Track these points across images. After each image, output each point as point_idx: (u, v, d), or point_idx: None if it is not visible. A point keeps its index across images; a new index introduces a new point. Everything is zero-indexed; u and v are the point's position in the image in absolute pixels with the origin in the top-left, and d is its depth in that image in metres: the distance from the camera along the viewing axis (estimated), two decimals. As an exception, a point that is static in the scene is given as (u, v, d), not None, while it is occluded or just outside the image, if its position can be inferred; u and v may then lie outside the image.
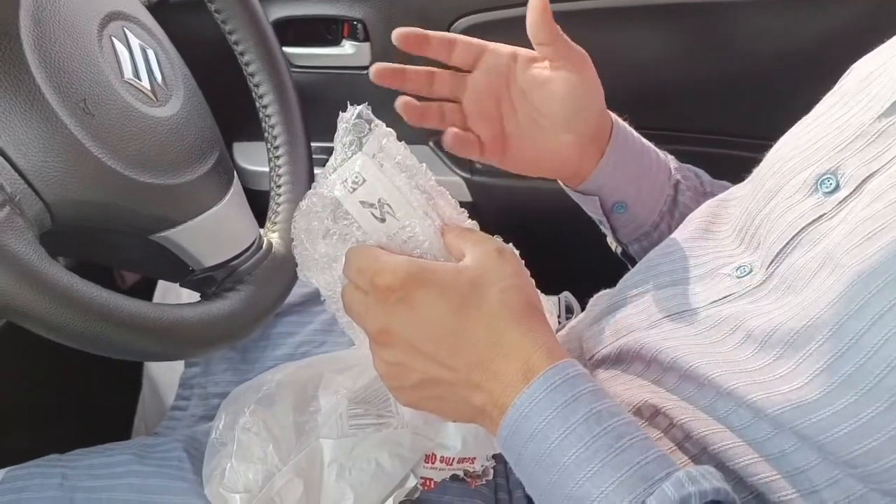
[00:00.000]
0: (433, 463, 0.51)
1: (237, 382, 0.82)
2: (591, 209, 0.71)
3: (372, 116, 0.51)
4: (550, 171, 0.67)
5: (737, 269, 0.55)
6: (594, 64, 1.00)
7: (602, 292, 0.69)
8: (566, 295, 0.83)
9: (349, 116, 0.50)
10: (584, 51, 0.62)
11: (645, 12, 0.91)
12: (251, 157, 1.05)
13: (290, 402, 0.55)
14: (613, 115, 0.67)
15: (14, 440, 0.80)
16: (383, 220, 0.48)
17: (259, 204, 0.73)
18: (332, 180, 0.50)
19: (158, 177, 0.57)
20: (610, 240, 0.75)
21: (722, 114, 0.97)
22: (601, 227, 0.73)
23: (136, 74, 0.58)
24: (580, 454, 0.43)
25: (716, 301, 0.54)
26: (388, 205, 0.48)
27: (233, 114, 0.80)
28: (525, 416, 0.45)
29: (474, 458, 0.52)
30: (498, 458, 0.56)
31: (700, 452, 0.50)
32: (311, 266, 0.53)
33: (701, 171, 0.74)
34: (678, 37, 0.93)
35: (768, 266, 0.52)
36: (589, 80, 0.62)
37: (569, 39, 0.61)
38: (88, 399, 1.03)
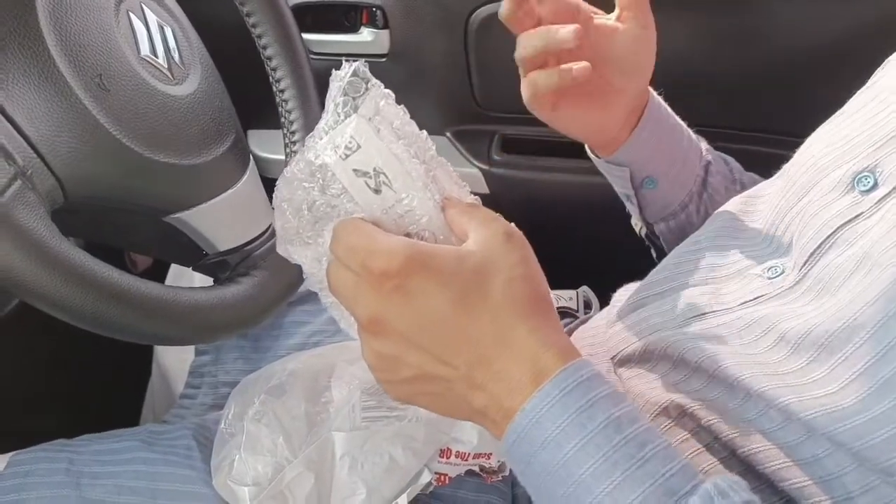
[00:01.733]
0: (448, 458, 0.50)
1: (248, 371, 0.80)
2: (621, 184, 0.70)
3: (369, 75, 0.44)
4: (594, 131, 0.67)
5: (768, 270, 0.53)
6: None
7: (626, 287, 0.67)
8: (585, 289, 0.82)
9: (343, 74, 0.43)
10: (649, 8, 0.62)
11: (667, 4, 0.89)
12: (266, 145, 1.04)
13: (302, 392, 0.53)
14: (650, 88, 0.67)
15: (21, 424, 0.79)
16: (378, 192, 0.42)
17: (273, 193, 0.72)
18: (322, 145, 0.43)
19: (173, 156, 0.55)
20: (635, 220, 0.74)
21: (747, 109, 0.95)
22: (627, 203, 0.72)
23: (153, 51, 0.56)
24: (599, 466, 0.40)
25: (747, 302, 0.53)
26: (384, 174, 0.42)
27: (249, 101, 0.78)
28: (536, 423, 0.41)
29: (490, 454, 0.50)
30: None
31: (728, 455, 0.49)
32: (294, 240, 0.47)
33: (730, 158, 0.74)
34: (702, 30, 0.91)
35: (801, 267, 0.50)
36: (651, 38, 0.63)
37: None
38: (97, 385, 1.02)
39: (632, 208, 0.72)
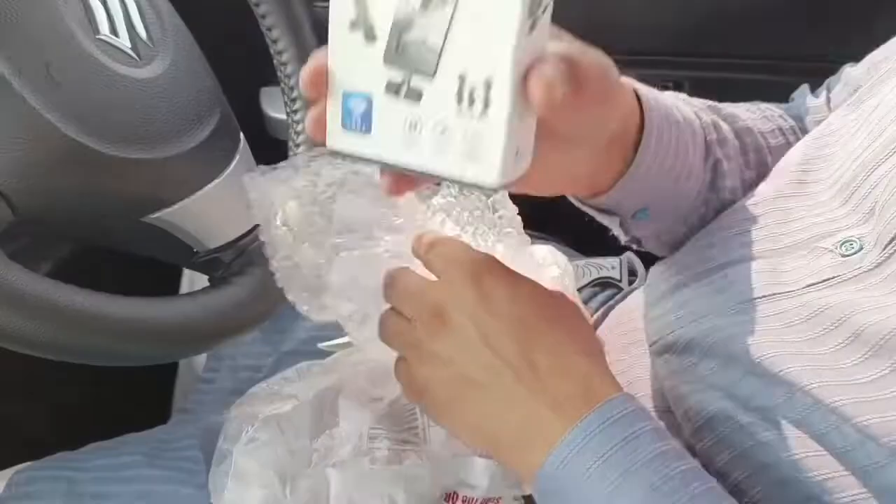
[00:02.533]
0: (454, 503, 0.44)
1: (268, 354, 0.77)
2: (604, 220, 0.55)
3: None
4: (569, 183, 0.49)
5: (841, 244, 0.45)
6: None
7: (664, 261, 0.58)
8: (629, 256, 0.74)
9: None
10: (604, 63, 0.40)
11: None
12: (282, 105, 0.97)
13: (302, 421, 0.48)
14: (644, 93, 0.48)
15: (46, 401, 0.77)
16: None
17: (287, 156, 0.66)
18: None
19: (144, 150, 0.49)
20: (617, 232, 0.56)
21: (812, 35, 0.84)
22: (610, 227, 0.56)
23: (113, 31, 0.50)
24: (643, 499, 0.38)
25: (813, 284, 0.44)
26: None
27: (262, 55, 0.72)
28: (579, 451, 0.39)
29: (500, 499, 0.45)
30: (526, 498, 0.49)
31: (790, 479, 0.41)
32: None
33: (736, 113, 0.56)
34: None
35: (886, 245, 0.41)
36: (608, 92, 0.42)
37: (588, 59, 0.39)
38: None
39: (613, 227, 0.55)
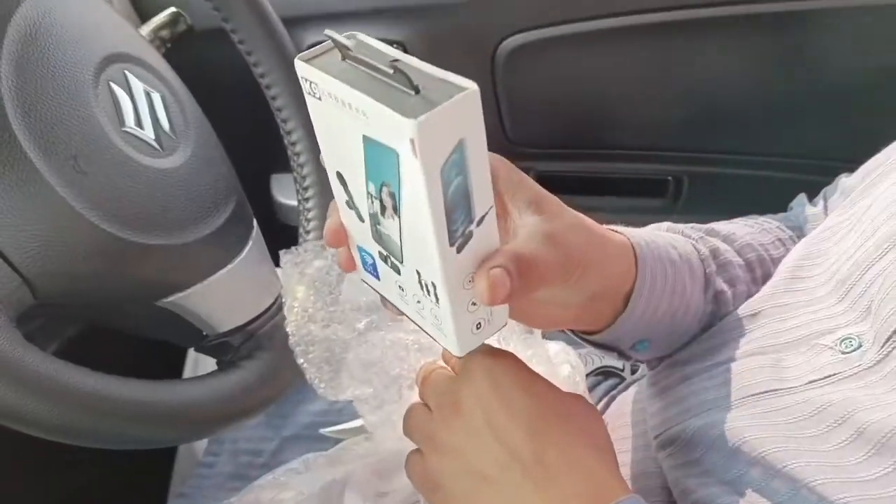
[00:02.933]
0: None
1: (270, 438, 0.76)
2: (603, 350, 0.54)
3: None
4: (564, 324, 0.49)
5: (841, 342, 0.45)
6: (659, 81, 0.90)
7: (672, 358, 0.59)
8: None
9: None
10: (561, 254, 0.40)
11: (716, 24, 0.82)
12: (291, 191, 0.99)
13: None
14: (638, 240, 0.47)
15: (46, 484, 0.76)
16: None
17: (296, 242, 0.68)
18: None
19: (163, 237, 0.51)
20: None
21: (796, 135, 0.87)
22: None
23: (139, 123, 0.52)
24: None
25: (815, 381, 0.45)
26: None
27: (272, 144, 0.74)
28: None
29: None
30: None
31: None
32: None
33: (736, 233, 0.55)
34: (751, 50, 0.84)
35: (884, 343, 0.42)
36: (569, 276, 0.42)
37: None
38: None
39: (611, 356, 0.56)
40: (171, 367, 0.87)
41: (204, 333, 0.55)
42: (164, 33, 0.71)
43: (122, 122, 0.51)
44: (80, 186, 0.46)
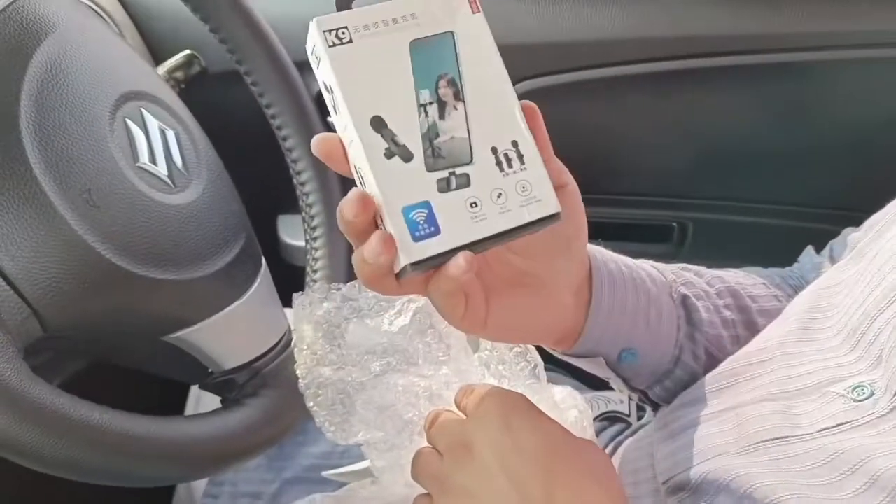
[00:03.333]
0: None
1: (271, 481, 0.75)
2: (595, 369, 0.55)
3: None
4: (544, 329, 0.50)
5: (853, 390, 0.45)
6: (664, 128, 0.91)
7: (678, 400, 0.59)
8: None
9: None
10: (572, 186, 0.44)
11: (720, 73, 0.83)
12: (297, 232, 1.00)
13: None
14: (590, 247, 0.51)
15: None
16: (336, 111, 0.37)
17: (301, 282, 0.68)
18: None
19: (172, 272, 0.51)
20: (619, 387, 0.57)
21: (803, 184, 0.87)
22: (609, 382, 0.57)
23: (153, 159, 0.53)
24: None
25: (828, 429, 0.44)
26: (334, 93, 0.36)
27: (280, 185, 0.75)
28: None
29: None
30: None
31: None
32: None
33: (702, 269, 0.58)
34: (756, 99, 0.85)
35: None
36: (575, 216, 0.45)
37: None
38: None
39: (615, 384, 0.57)
40: (171, 405, 0.86)
41: (209, 370, 0.55)
42: (179, 74, 0.72)
43: (136, 157, 0.52)
44: (93, 220, 0.47)
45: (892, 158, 0.81)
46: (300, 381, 0.47)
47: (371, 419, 0.47)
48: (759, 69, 0.82)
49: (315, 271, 0.68)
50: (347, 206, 0.36)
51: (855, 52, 0.79)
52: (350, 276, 0.56)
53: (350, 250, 0.76)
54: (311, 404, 0.47)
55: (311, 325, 0.48)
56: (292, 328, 0.49)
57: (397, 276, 0.37)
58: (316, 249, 0.68)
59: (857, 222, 0.56)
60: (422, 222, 0.35)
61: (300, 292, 0.50)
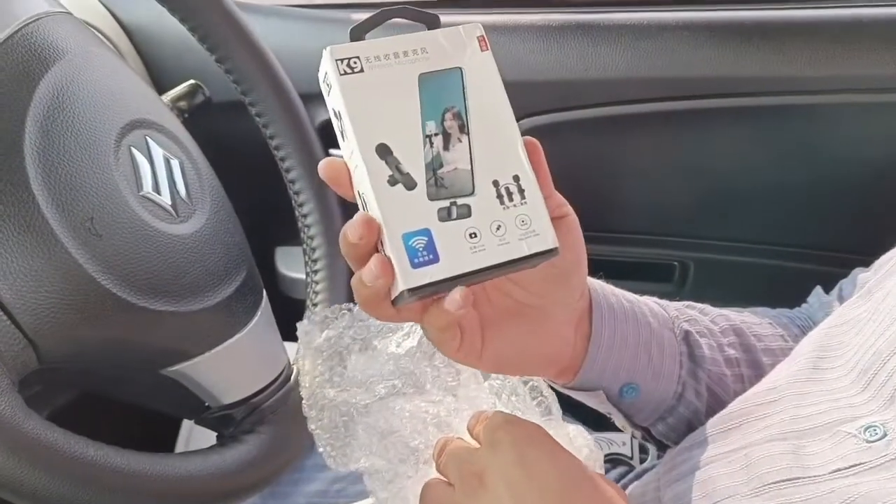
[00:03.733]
0: None
1: (265, 521, 0.73)
2: (595, 404, 0.55)
3: None
4: (542, 362, 0.50)
5: (865, 430, 0.44)
6: (666, 167, 0.91)
7: (686, 442, 0.58)
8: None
9: None
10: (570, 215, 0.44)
11: (723, 114, 0.84)
12: (295, 264, 0.99)
13: None
14: (590, 280, 0.51)
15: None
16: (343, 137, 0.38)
17: (299, 314, 0.67)
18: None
19: (173, 303, 0.50)
20: (622, 424, 0.56)
21: (810, 226, 0.87)
22: (610, 417, 0.56)
23: (156, 188, 0.52)
24: None
25: (841, 470, 0.43)
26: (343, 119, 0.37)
27: (278, 216, 0.74)
28: None
29: None
30: None
31: None
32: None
33: (707, 307, 0.58)
34: (758, 140, 0.85)
35: None
36: (575, 247, 0.45)
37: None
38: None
39: (617, 420, 0.56)
40: (161, 439, 0.84)
41: (206, 405, 0.54)
42: (183, 104, 0.72)
43: (140, 186, 0.51)
44: (94, 249, 0.46)
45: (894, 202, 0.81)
46: (303, 402, 0.46)
47: (374, 445, 0.46)
48: (761, 111, 0.83)
49: (315, 304, 0.67)
50: (352, 229, 0.37)
51: (856, 97, 0.80)
52: (351, 307, 0.55)
53: (350, 282, 0.75)
54: (314, 427, 0.46)
55: (315, 349, 0.47)
56: (297, 351, 0.48)
57: (394, 301, 0.37)
58: (317, 283, 0.67)
59: (860, 265, 0.56)
60: (421, 249, 0.36)
61: (306, 319, 0.49)
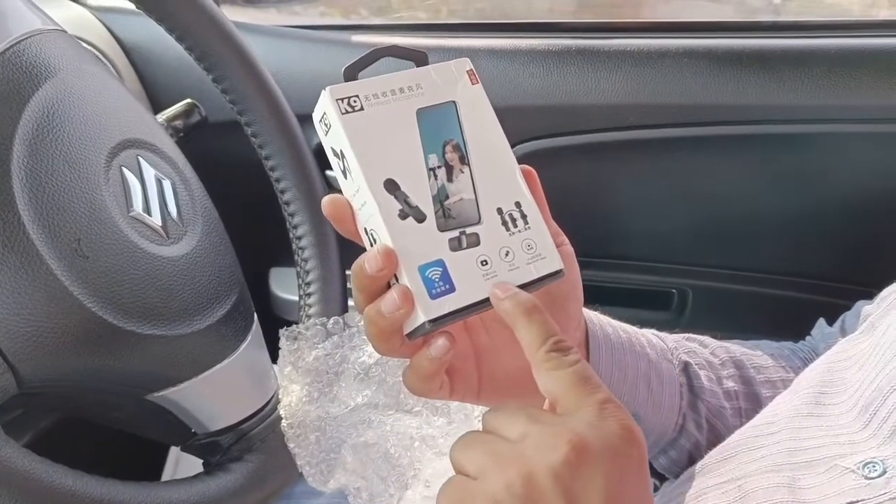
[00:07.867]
0: None
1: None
2: None
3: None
4: (539, 392, 0.47)
5: (863, 466, 0.43)
6: (664, 194, 0.91)
7: (684, 475, 0.57)
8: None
9: None
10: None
11: (724, 142, 0.83)
12: (289, 286, 0.98)
13: None
14: (586, 311, 0.51)
15: None
16: (345, 176, 0.38)
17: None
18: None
19: (161, 327, 0.49)
20: None
21: (813, 255, 0.86)
22: None
23: (147, 209, 0.51)
24: None
25: None
26: (345, 158, 0.38)
27: (273, 237, 0.73)
28: None
29: None
30: None
31: None
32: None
33: (707, 339, 0.58)
34: (758, 168, 0.85)
35: None
36: (571, 276, 0.44)
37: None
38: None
39: None
40: (149, 464, 0.83)
41: (193, 431, 0.52)
42: (178, 123, 0.71)
43: (129, 206, 0.50)
44: (80, 270, 0.45)
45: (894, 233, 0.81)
46: (283, 420, 0.45)
47: (355, 465, 0.44)
48: (761, 139, 0.82)
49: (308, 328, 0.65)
50: (371, 262, 0.36)
51: (857, 126, 0.79)
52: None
53: (344, 304, 0.74)
54: (293, 445, 0.45)
55: (297, 366, 0.46)
56: (278, 367, 0.47)
57: (410, 334, 0.37)
58: (310, 306, 0.66)
59: (861, 296, 0.55)
60: (437, 280, 0.36)
61: (285, 329, 0.48)
